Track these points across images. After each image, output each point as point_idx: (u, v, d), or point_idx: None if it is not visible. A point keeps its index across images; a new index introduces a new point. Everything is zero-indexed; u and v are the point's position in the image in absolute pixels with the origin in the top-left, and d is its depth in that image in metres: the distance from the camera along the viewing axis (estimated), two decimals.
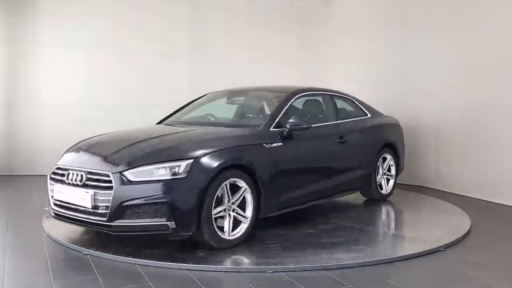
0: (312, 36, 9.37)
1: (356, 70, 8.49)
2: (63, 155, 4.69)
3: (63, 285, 3.54)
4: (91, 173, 4.15)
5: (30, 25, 8.23)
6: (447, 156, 7.15)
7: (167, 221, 3.93)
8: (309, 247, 4.28)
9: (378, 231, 5.00)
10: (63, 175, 4.36)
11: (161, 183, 3.95)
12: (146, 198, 3.93)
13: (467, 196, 6.68)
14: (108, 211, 3.96)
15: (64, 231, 4.77)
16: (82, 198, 4.10)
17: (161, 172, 3.99)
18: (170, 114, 5.88)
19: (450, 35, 6.99)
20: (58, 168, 4.49)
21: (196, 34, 9.05)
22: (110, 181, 3.99)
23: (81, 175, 4.18)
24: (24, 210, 5.82)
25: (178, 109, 5.96)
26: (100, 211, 4.01)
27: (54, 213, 4.49)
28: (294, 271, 3.78)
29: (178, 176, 3.98)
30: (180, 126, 5.22)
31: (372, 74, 8.23)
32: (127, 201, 3.92)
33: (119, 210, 3.94)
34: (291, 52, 9.50)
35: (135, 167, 4.01)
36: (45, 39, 8.26)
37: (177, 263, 3.90)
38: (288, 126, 4.82)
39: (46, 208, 5.68)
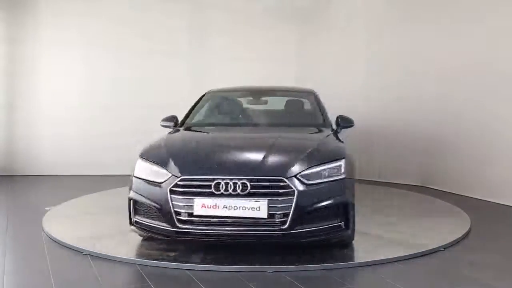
0: (311, 36, 9.37)
1: (356, 69, 8.49)
2: (180, 164, 3.99)
3: (63, 285, 3.54)
4: (255, 180, 3.77)
5: (30, 25, 8.24)
6: (446, 156, 7.15)
7: (340, 221, 3.91)
8: (309, 247, 4.28)
9: (377, 231, 5.00)
10: (206, 186, 3.80)
11: (335, 184, 3.92)
12: (328, 200, 3.86)
13: (467, 196, 6.68)
14: (288, 219, 3.72)
15: (64, 231, 4.77)
16: (252, 208, 3.70)
17: (328, 172, 3.94)
18: (185, 116, 5.51)
19: (449, 34, 6.99)
20: (185, 180, 3.85)
21: (196, 34, 9.05)
22: (287, 187, 3.77)
23: (243, 184, 3.75)
24: (24, 210, 5.82)
25: (189, 111, 5.63)
26: (277, 220, 3.74)
27: (183, 231, 3.84)
28: (294, 271, 3.78)
29: (343, 176, 3.97)
30: (254, 127, 5.18)
31: (372, 73, 8.22)
32: (311, 205, 3.79)
33: (301, 216, 3.76)
34: (290, 52, 9.50)
35: (306, 169, 3.88)
36: (45, 38, 8.26)
37: (177, 263, 3.90)
38: (340, 125, 5.09)
39: (47, 208, 5.71)
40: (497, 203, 6.25)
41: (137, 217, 4.12)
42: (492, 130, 6.43)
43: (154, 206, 3.92)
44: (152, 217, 3.99)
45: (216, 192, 3.75)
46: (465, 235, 4.75)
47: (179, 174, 3.87)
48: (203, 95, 5.89)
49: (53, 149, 8.32)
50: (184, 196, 3.81)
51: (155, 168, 4.04)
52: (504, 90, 6.26)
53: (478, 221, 5.26)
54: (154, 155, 4.20)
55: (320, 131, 4.94)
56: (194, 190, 3.81)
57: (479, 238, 4.73)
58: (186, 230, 3.81)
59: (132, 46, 8.59)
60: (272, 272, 3.76)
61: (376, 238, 4.73)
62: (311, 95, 5.76)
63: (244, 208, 3.70)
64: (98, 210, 5.89)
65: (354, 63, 8.54)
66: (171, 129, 5.19)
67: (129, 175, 4.28)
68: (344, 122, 5.11)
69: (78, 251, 4.23)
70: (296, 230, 3.76)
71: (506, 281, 3.68)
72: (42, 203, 6.03)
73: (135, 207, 4.13)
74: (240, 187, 3.74)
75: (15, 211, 5.78)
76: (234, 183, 3.75)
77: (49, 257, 4.10)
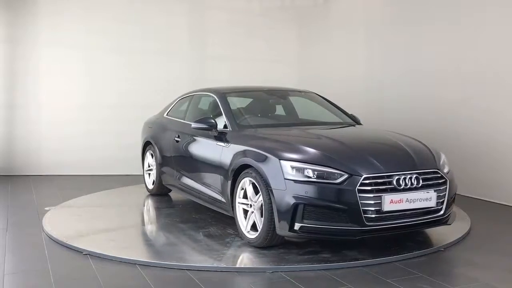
0: (312, 35, 9.36)
1: (355, 69, 8.49)
2: (355, 162, 4.04)
3: (63, 285, 3.55)
4: (423, 173, 4.16)
5: (30, 25, 8.22)
6: (445, 156, 7.15)
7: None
8: (308, 247, 4.28)
9: None
10: (389, 182, 3.98)
11: (451, 173, 4.51)
12: (455, 187, 4.53)
13: (467, 196, 6.68)
14: (443, 206, 4.22)
15: (64, 231, 4.77)
16: (426, 199, 4.10)
17: (444, 164, 4.51)
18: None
19: (449, 34, 6.98)
20: (369, 178, 3.94)
21: (196, 34, 9.04)
22: (441, 177, 4.26)
23: (416, 177, 4.08)
24: (24, 210, 5.82)
25: (228, 112, 5.23)
26: (438, 207, 4.20)
27: (371, 229, 3.93)
28: (294, 271, 3.78)
29: (448, 167, 4.56)
30: (307, 127, 5.25)
31: (372, 73, 8.23)
32: (453, 192, 4.40)
33: (449, 202, 4.31)
34: (290, 52, 9.50)
35: (440, 161, 4.45)
36: (45, 39, 8.25)
37: (177, 263, 3.90)
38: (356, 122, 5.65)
39: (47, 208, 5.71)
40: (497, 203, 6.25)
41: (305, 221, 3.92)
42: (492, 130, 6.43)
43: (337, 208, 3.87)
44: (331, 220, 3.90)
45: (398, 188, 3.99)
46: (465, 235, 4.75)
47: (361, 173, 3.95)
48: (223, 96, 5.43)
49: (53, 149, 8.31)
50: (372, 194, 3.91)
51: (318, 168, 3.98)
52: (504, 90, 6.26)
53: (478, 221, 5.26)
54: (304, 156, 4.11)
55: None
56: (380, 187, 3.96)
57: (479, 238, 4.73)
58: (373, 228, 3.94)
59: (132, 46, 8.57)
60: (272, 272, 3.77)
61: (375, 238, 4.72)
62: (314, 94, 6.07)
63: (420, 200, 4.07)
64: (98, 210, 5.89)
65: (354, 62, 8.53)
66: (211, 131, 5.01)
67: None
68: (357, 120, 5.67)
69: (78, 251, 4.24)
70: (446, 215, 4.30)
71: (506, 281, 3.68)
72: (42, 203, 6.03)
73: (303, 211, 3.91)
74: (416, 181, 4.06)
75: (15, 211, 5.77)
76: (409, 177, 4.06)
77: (49, 257, 4.11)
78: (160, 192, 6.42)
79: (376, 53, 8.16)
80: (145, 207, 6.08)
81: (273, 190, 4.02)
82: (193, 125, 5.13)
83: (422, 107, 7.41)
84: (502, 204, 6.19)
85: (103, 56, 8.47)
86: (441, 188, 4.22)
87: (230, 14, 9.08)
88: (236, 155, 4.53)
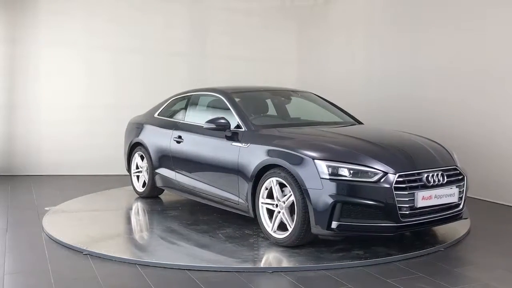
0: (312, 35, 9.37)
1: (356, 69, 8.49)
2: (388, 161, 4.12)
3: (63, 285, 3.55)
4: (446, 170, 4.33)
5: (30, 25, 8.22)
6: None
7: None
8: (309, 247, 4.28)
9: None
10: (420, 180, 4.12)
11: (463, 169, 4.63)
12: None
13: (467, 196, 6.68)
14: (462, 201, 4.44)
15: (64, 231, 4.77)
16: (451, 195, 4.29)
17: (456, 160, 4.69)
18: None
19: (449, 34, 6.99)
20: (403, 176, 4.04)
21: (196, 34, 9.04)
22: (460, 174, 4.46)
23: (442, 174, 4.25)
24: (24, 210, 5.82)
25: (239, 112, 5.14)
26: (458, 202, 4.39)
27: (405, 225, 4.04)
28: (294, 271, 3.78)
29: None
30: (321, 128, 5.16)
31: (372, 73, 8.22)
32: (467, 187, 4.57)
33: (465, 197, 4.51)
34: (290, 52, 9.50)
35: (455, 158, 4.68)
36: (45, 39, 8.25)
37: (177, 263, 3.90)
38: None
39: (47, 208, 5.72)
40: (497, 203, 6.25)
41: (342, 220, 3.98)
42: (492, 130, 6.43)
43: (374, 205, 3.97)
44: (368, 217, 3.99)
45: (428, 184, 4.14)
46: (465, 235, 4.75)
47: (394, 171, 4.05)
48: (231, 96, 5.36)
49: (52, 149, 8.30)
50: (406, 191, 4.04)
51: (354, 167, 4.04)
52: (504, 90, 6.26)
53: (478, 221, 5.25)
54: (338, 155, 4.15)
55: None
56: (413, 184, 4.09)
57: (479, 238, 4.74)
58: (407, 224, 4.06)
59: (132, 46, 8.57)
60: (272, 272, 3.77)
61: (375, 238, 4.73)
62: (314, 95, 6.09)
63: (446, 196, 4.25)
64: (98, 210, 5.88)
65: (354, 63, 8.53)
66: (225, 131, 4.89)
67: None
68: (358, 120, 5.72)
69: (78, 251, 4.24)
70: (463, 210, 4.46)
71: (506, 281, 3.68)
72: (42, 203, 6.03)
73: (341, 209, 3.97)
74: (441, 177, 4.23)
75: (15, 211, 5.77)
76: (436, 174, 4.22)
77: (49, 257, 4.11)
78: (151, 195, 6.28)
79: (376, 53, 8.16)
80: (145, 209, 5.99)
81: (309, 190, 4.03)
82: (205, 125, 5.04)
83: (422, 107, 7.42)
84: (502, 204, 6.19)
85: (103, 56, 8.47)
86: (460, 184, 4.41)
87: (230, 14, 9.08)
88: (259, 155, 4.47)
